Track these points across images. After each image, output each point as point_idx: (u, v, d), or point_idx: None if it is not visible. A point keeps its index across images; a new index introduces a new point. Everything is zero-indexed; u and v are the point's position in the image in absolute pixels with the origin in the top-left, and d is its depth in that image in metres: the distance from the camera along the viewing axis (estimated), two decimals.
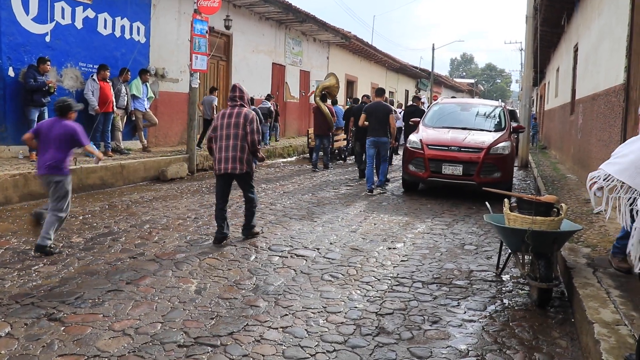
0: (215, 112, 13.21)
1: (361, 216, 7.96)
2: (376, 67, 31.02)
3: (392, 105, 15.66)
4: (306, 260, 5.60)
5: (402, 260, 5.72)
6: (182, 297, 4.41)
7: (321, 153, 14.19)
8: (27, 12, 9.88)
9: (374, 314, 4.21)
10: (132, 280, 4.76)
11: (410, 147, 10.19)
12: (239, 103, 6.21)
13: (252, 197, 6.35)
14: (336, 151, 15.88)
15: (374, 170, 10.48)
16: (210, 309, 4.18)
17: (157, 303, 4.27)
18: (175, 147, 13.43)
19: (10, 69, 9.61)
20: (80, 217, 7.15)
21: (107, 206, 7.86)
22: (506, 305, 4.53)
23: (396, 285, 4.92)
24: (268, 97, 16.81)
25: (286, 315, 4.14)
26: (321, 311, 4.23)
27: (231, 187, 6.35)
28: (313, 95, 16.08)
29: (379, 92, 10.85)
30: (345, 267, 5.40)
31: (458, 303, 4.51)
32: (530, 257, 4.59)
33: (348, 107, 16.81)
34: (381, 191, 10.38)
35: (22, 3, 9.77)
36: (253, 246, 6.03)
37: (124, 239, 6.14)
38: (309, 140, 15.59)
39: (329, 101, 14.72)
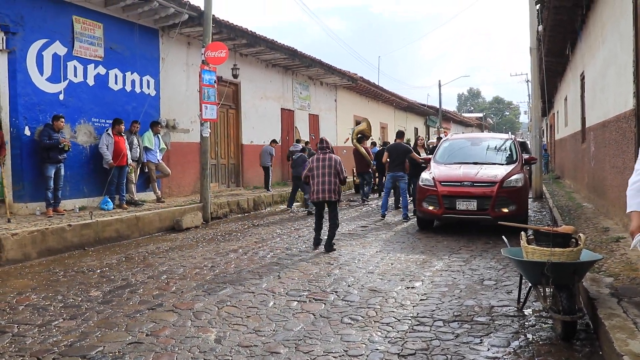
0: (271, 161, 16.13)
1: (377, 256, 7.91)
2: (384, 106, 31.32)
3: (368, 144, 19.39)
4: (325, 304, 5.55)
5: (421, 299, 5.66)
6: (202, 347, 4.38)
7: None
8: (41, 73, 10.17)
9: (396, 356, 4.15)
10: (152, 332, 4.74)
11: (423, 184, 10.20)
12: (327, 150, 8.62)
13: (336, 220, 8.56)
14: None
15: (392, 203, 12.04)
16: (230, 358, 4.15)
17: (177, 354, 4.24)
18: (189, 196, 13.54)
19: (27, 128, 9.84)
20: (98, 271, 7.18)
21: (124, 258, 7.90)
22: (530, 340, 4.45)
23: (417, 325, 4.86)
24: (274, 141, 17.22)
25: None
26: (342, 355, 4.18)
27: (324, 211, 8.70)
28: (350, 139, 19.68)
29: (399, 134, 13.00)
30: (364, 308, 5.35)
31: (481, 340, 4.44)
32: (552, 290, 4.52)
33: (379, 148, 18.96)
34: (404, 219, 11.78)
35: (36, 65, 10.07)
36: (271, 292, 6.00)
37: (141, 290, 6.14)
38: (354, 178, 19.69)
39: (368, 142, 19.10)
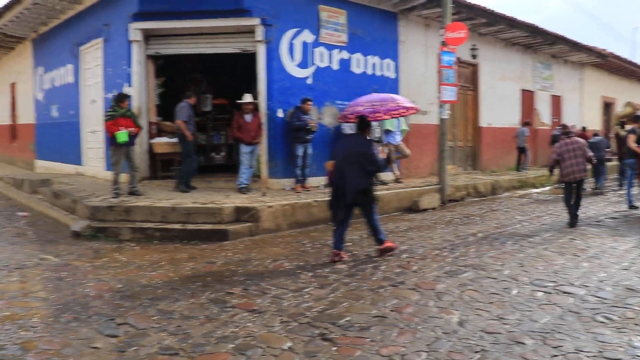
0: (526, 142, 16.55)
1: (633, 252, 7.14)
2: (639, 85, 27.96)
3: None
4: (573, 298, 5.20)
5: None
6: (445, 328, 4.41)
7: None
8: (292, 60, 11.03)
9: None
10: (396, 307, 4.91)
11: None
12: (571, 135, 9.18)
13: (581, 197, 9.28)
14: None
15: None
16: (474, 342, 4.11)
17: (420, 332, 4.33)
18: (426, 177, 13.63)
19: (280, 110, 10.78)
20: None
21: (365, 235, 8.27)
22: None
23: None
24: (527, 123, 17.21)
25: (556, 356, 3.88)
26: (596, 356, 3.88)
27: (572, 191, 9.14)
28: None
29: (635, 119, 11.38)
30: (620, 308, 4.88)
31: None
32: None
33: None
34: None
35: (289, 52, 10.94)
36: (514, 280, 5.79)
37: (384, 267, 6.38)
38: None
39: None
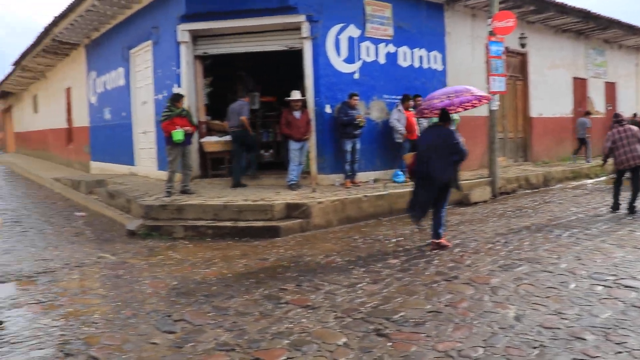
0: (588, 133, 16.21)
1: None
2: None
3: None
4: (636, 292, 5.02)
5: None
6: (501, 323, 4.33)
7: None
8: (338, 55, 11.01)
9: None
10: (450, 302, 4.85)
11: None
12: (624, 123, 9.16)
13: (638, 187, 9.06)
14: None
15: None
16: (532, 337, 4.03)
17: (476, 327, 4.27)
18: (476, 170, 13.40)
19: (327, 106, 10.79)
20: (393, 240, 7.59)
21: (416, 229, 8.21)
22: None
23: None
24: (588, 113, 17.01)
25: (620, 352, 3.76)
26: None
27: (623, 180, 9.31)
28: None
29: None
30: None
31: None
32: None
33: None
34: None
35: (335, 48, 10.93)
36: (571, 273, 5.64)
37: (436, 261, 6.32)
38: None
39: None
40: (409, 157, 7.49)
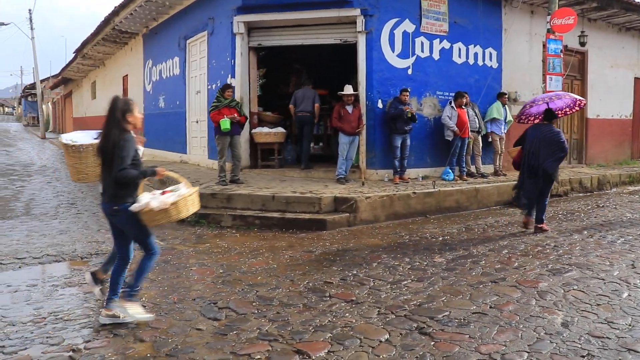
0: None
1: None
2: None
3: None
4: None
5: None
6: (548, 329, 4.25)
7: None
8: (392, 50, 10.95)
9: None
10: (496, 304, 4.79)
11: None
12: None
13: None
14: None
15: None
16: (580, 346, 3.94)
17: (521, 331, 4.20)
18: None
19: (379, 101, 10.76)
20: (440, 238, 7.53)
21: (464, 228, 8.11)
22: None
23: None
24: None
25: None
26: None
27: None
28: None
29: None
30: None
31: None
32: None
33: None
34: None
35: (389, 43, 10.87)
36: (624, 282, 5.48)
37: (483, 262, 6.23)
38: None
39: None
40: (514, 151, 8.21)
